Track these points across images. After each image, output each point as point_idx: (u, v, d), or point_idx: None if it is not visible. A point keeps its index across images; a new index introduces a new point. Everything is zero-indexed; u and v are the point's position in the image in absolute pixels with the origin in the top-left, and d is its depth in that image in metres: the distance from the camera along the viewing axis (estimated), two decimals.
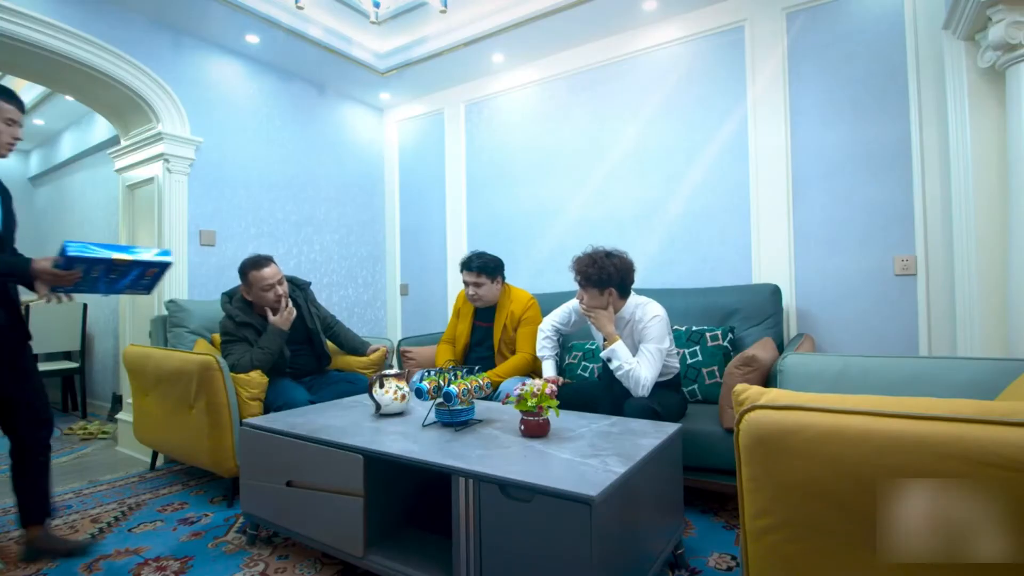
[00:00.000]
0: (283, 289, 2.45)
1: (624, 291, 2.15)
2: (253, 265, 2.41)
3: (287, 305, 2.43)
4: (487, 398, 2.18)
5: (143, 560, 1.81)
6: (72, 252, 1.57)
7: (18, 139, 1.87)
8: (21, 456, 1.81)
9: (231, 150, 3.31)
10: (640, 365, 2.01)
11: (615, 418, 1.86)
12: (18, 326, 1.82)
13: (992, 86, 2.00)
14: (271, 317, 2.31)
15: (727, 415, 2.00)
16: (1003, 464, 0.76)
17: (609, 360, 2.08)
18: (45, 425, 1.85)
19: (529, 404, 1.59)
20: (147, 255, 1.74)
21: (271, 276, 2.41)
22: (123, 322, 3.25)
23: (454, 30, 3.31)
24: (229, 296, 2.53)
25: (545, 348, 2.41)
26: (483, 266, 2.64)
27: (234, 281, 3.28)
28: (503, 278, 2.74)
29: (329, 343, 2.78)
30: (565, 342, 2.89)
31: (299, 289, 2.68)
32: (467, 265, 2.67)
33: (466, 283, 2.69)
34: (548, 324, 2.44)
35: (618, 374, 2.04)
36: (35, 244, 5.40)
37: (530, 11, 3.02)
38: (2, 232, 1.82)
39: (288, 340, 2.48)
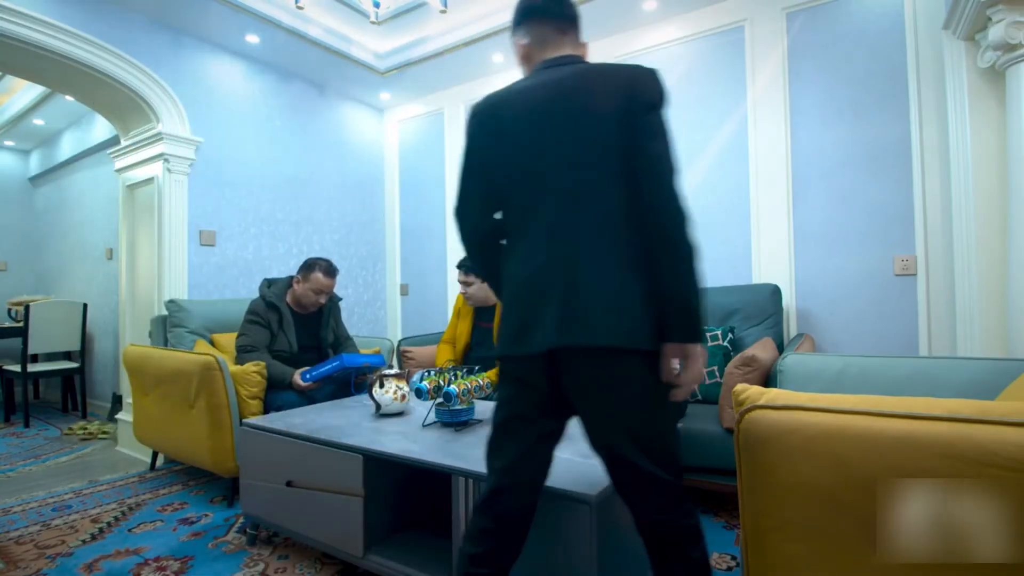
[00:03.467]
0: (324, 300, 2.61)
1: None
2: (325, 269, 2.56)
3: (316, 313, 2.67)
4: (487, 398, 2.18)
5: (143, 560, 1.81)
6: (348, 363, 2.36)
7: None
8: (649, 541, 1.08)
9: (231, 150, 3.31)
10: None
11: None
12: None
13: (992, 86, 2.00)
14: (295, 377, 2.39)
15: (727, 415, 2.00)
16: (1003, 464, 0.76)
17: None
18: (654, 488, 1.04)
19: None
20: (371, 361, 2.47)
21: (327, 287, 2.58)
22: (123, 322, 3.25)
23: (454, 30, 3.31)
24: (269, 283, 2.64)
25: None
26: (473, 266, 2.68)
27: (234, 280, 3.31)
28: None
29: None
30: None
31: (328, 300, 2.74)
32: (459, 265, 2.73)
33: (459, 282, 2.73)
34: None
35: None
36: (35, 244, 5.41)
37: None
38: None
39: (299, 341, 2.58)
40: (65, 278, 4.93)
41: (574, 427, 1.72)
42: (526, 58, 1.19)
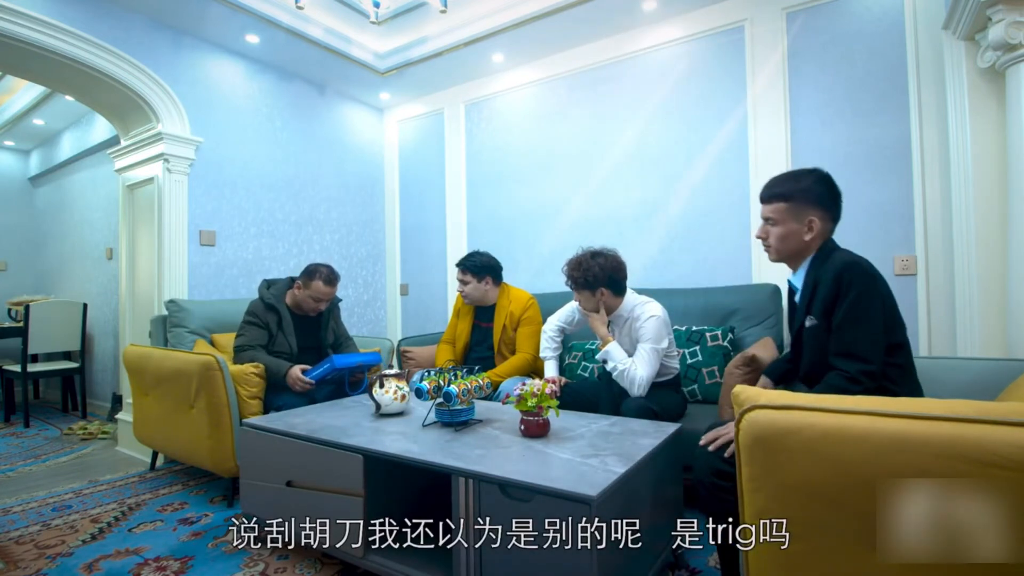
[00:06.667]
0: (323, 307, 2.60)
1: (618, 289, 2.14)
2: (325, 278, 2.53)
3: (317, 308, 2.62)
4: (487, 398, 2.18)
5: (143, 560, 1.81)
6: (339, 363, 2.38)
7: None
8: None
9: (231, 150, 3.31)
10: (635, 365, 2.01)
11: (615, 418, 1.86)
12: None
13: (992, 86, 2.00)
14: (292, 370, 2.39)
15: (727, 415, 2.00)
16: (1003, 464, 0.75)
17: (605, 361, 2.09)
18: None
19: (529, 404, 1.59)
20: (365, 360, 2.49)
21: (327, 295, 2.56)
22: (123, 322, 3.25)
23: (454, 30, 3.31)
24: (269, 284, 2.63)
25: (548, 349, 2.42)
26: (470, 266, 2.71)
27: (234, 281, 3.31)
28: (494, 279, 2.75)
29: None
30: (565, 342, 2.89)
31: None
32: (458, 263, 2.75)
33: (457, 279, 2.76)
34: (553, 324, 2.44)
35: (614, 374, 2.05)
36: (35, 244, 5.41)
37: (530, 11, 3.02)
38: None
39: (299, 342, 2.58)
40: (65, 278, 4.94)
41: (574, 428, 1.72)
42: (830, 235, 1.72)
